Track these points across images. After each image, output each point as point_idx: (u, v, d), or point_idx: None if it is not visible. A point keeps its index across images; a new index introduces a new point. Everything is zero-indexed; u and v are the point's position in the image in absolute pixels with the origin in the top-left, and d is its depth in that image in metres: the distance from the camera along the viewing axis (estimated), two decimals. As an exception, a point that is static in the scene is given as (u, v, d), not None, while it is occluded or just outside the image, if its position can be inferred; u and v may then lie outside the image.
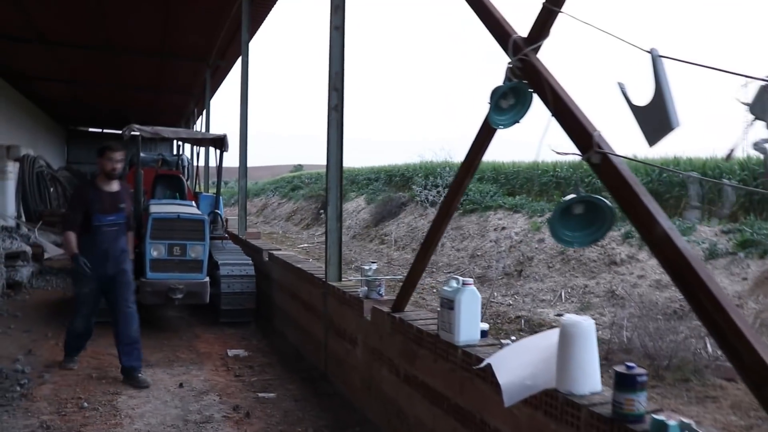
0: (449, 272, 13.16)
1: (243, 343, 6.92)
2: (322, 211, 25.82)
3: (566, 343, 2.49)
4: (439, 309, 3.44)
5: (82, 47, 13.53)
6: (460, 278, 3.35)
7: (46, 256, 12.47)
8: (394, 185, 22.91)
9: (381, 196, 22.11)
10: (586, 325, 2.48)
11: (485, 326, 3.40)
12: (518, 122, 2.74)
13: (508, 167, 18.67)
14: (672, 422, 2.02)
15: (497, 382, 2.83)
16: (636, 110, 2.05)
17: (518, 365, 2.69)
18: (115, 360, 5.97)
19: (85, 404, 4.75)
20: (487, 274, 11.86)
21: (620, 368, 2.23)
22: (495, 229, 14.51)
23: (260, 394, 5.12)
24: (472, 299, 3.29)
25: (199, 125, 20.71)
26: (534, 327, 8.46)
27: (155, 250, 7.06)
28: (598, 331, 7.84)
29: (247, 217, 10.71)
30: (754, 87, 1.68)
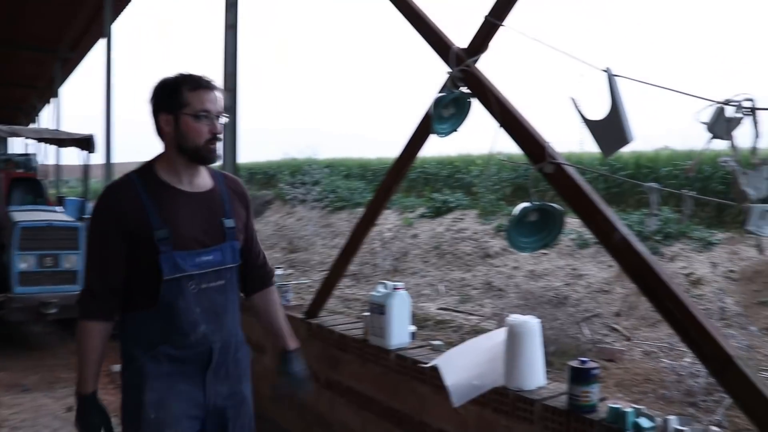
0: (322, 270, 13.18)
1: (125, 356, 6.56)
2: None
3: (515, 341, 2.61)
4: (368, 314, 3.47)
5: None
6: (390, 283, 3.41)
7: None
8: (257, 183, 22.61)
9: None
10: (532, 324, 2.62)
11: (413, 328, 3.48)
12: (456, 130, 2.84)
13: (374, 164, 19.01)
14: (629, 409, 2.20)
15: (438, 384, 2.92)
16: (591, 124, 2.19)
17: (464, 366, 2.79)
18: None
19: (-37, 443, 4.34)
20: (362, 270, 12.02)
21: (575, 363, 2.38)
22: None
23: (160, 410, 4.90)
24: (403, 303, 3.35)
25: (46, 121, 19.23)
26: (419, 322, 8.70)
27: (24, 262, 6.54)
28: (481, 322, 8.22)
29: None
30: (711, 108, 1.85)
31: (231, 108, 5.39)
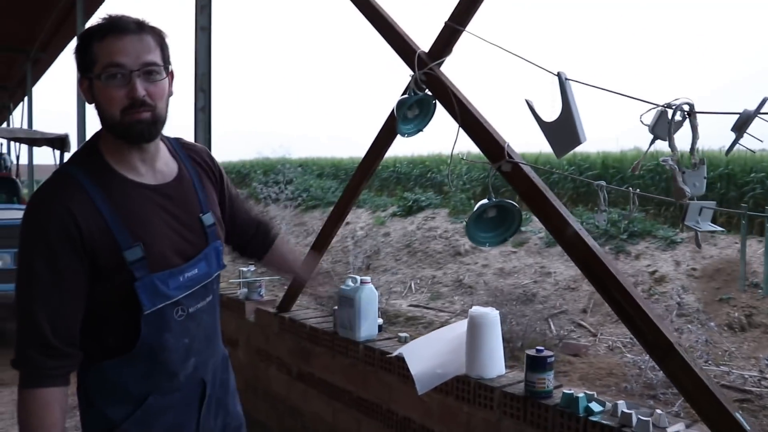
0: (294, 268, 13.27)
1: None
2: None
3: (476, 332, 2.74)
4: (336, 307, 3.59)
5: None
6: (358, 277, 3.52)
7: None
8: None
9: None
10: (492, 315, 2.75)
11: (380, 321, 3.60)
12: (421, 131, 2.96)
13: (347, 163, 19.17)
14: (580, 394, 2.34)
15: (404, 374, 3.05)
16: (544, 125, 2.32)
17: (428, 356, 2.91)
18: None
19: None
20: (335, 268, 12.13)
21: (531, 352, 2.52)
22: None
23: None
24: (371, 296, 3.47)
25: (18, 121, 18.98)
26: (390, 318, 8.83)
27: None
28: (451, 319, 8.38)
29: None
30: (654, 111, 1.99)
31: (205, 108, 5.46)
